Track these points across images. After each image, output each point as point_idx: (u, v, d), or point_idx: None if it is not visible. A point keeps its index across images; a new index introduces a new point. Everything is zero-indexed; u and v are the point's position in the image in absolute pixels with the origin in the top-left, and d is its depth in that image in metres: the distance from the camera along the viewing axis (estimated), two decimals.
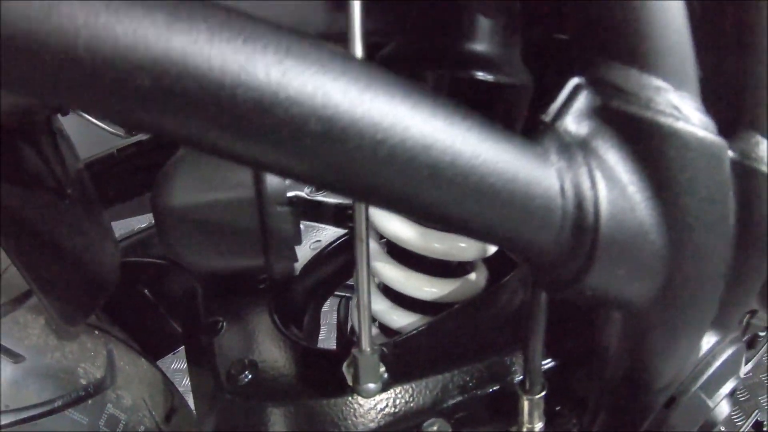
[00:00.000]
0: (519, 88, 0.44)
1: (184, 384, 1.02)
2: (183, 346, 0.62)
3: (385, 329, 0.55)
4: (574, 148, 0.24)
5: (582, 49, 0.27)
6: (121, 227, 0.67)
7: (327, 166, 0.20)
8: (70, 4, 0.17)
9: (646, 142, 0.25)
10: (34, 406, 0.47)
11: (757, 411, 1.07)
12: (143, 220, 0.68)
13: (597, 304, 0.31)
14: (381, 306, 0.53)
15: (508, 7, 0.31)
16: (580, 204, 0.24)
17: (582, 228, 0.24)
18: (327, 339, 1.11)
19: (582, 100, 0.25)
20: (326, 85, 0.20)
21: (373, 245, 0.54)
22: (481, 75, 0.42)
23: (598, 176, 0.24)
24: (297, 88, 0.19)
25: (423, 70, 0.42)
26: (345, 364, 0.43)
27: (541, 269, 0.27)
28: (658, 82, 0.25)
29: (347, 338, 0.62)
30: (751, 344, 0.78)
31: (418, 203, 0.22)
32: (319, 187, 0.29)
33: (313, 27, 0.32)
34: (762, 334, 0.70)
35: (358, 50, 0.28)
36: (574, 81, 0.26)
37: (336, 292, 0.69)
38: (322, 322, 0.70)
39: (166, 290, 0.63)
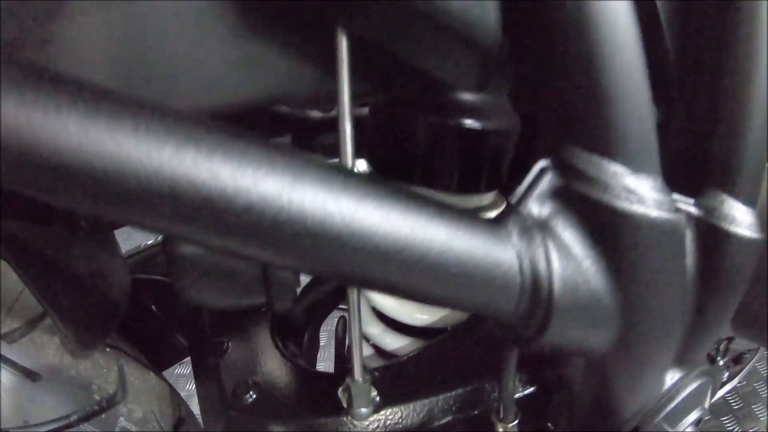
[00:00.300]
0: (506, 133, 0.47)
1: (187, 389, 1.07)
2: (187, 357, 0.67)
3: (379, 350, 0.59)
4: (533, 230, 0.28)
5: (549, 133, 0.30)
6: (127, 242, 0.72)
7: (316, 262, 0.24)
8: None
9: (601, 222, 0.29)
10: (52, 421, 0.52)
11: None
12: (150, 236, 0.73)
13: (560, 353, 0.35)
14: (375, 330, 0.57)
15: (494, 54, 0.34)
16: (535, 280, 0.28)
17: (537, 299, 0.28)
18: (327, 344, 1.16)
19: (545, 183, 0.29)
20: (306, 196, 0.23)
21: None
22: (468, 123, 0.45)
23: (554, 254, 0.28)
24: (271, 198, 0.23)
25: (413, 117, 0.46)
26: (340, 390, 0.48)
27: (505, 329, 0.31)
28: (616, 168, 0.28)
29: (344, 357, 0.67)
30: (737, 361, 0.82)
31: (396, 287, 0.26)
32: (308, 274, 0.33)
33: (303, 91, 0.36)
34: (750, 349, 0.75)
35: (347, 113, 0.31)
36: (540, 164, 0.30)
37: (339, 306, 0.74)
38: (323, 329, 0.75)
39: (172, 306, 0.68)
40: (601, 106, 0.28)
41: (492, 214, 0.52)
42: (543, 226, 0.29)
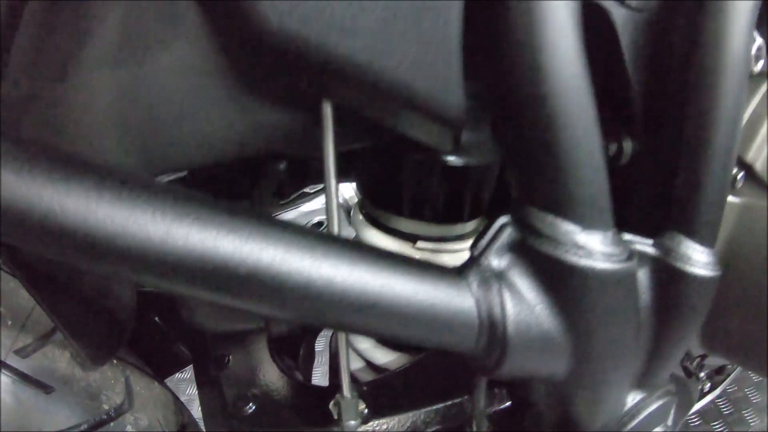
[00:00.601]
0: (487, 167, 0.52)
1: (188, 393, 1.13)
2: (189, 365, 0.73)
3: (370, 364, 0.65)
4: (491, 280, 0.33)
5: (512, 191, 0.35)
6: None
7: (306, 315, 0.29)
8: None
9: (553, 274, 0.33)
10: (65, 430, 0.57)
11: None
12: None
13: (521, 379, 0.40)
14: (365, 345, 0.62)
15: (460, 124, 0.39)
16: (492, 323, 0.33)
17: (494, 339, 0.33)
18: (323, 350, 1.21)
19: (504, 237, 0.34)
20: (295, 263, 0.28)
21: None
22: (451, 160, 0.50)
23: (508, 301, 0.33)
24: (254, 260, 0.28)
25: (398, 154, 0.50)
26: (331, 404, 0.53)
27: (470, 359, 0.36)
28: (568, 226, 0.33)
29: (337, 370, 0.72)
30: (719, 371, 0.87)
31: (374, 332, 0.31)
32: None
33: (295, 146, 0.40)
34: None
35: (333, 179, 0.36)
36: (501, 220, 0.34)
37: None
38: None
39: (175, 319, 0.73)
40: (555, 173, 0.33)
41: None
42: (500, 276, 0.34)
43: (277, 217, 0.65)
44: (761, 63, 0.50)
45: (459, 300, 0.33)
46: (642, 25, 0.43)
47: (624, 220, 0.46)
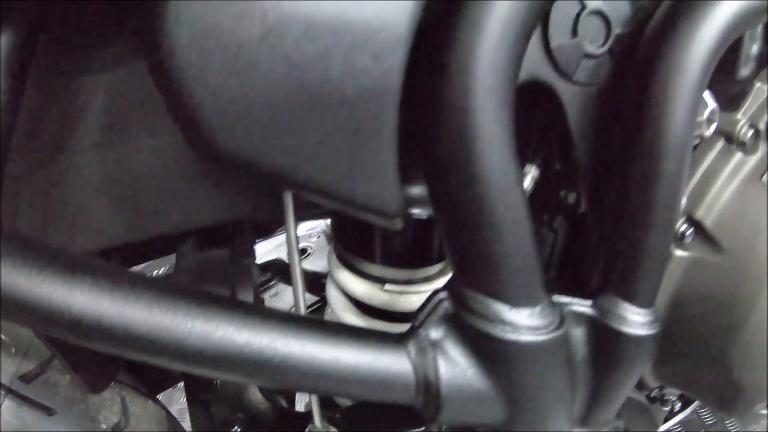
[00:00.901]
0: None
1: (181, 401, 1.21)
2: (180, 381, 0.80)
3: None
4: (428, 348, 0.39)
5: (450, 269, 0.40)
6: None
7: (270, 380, 0.35)
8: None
9: (483, 345, 0.39)
10: None
11: None
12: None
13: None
14: None
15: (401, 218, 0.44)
16: (427, 384, 0.39)
17: (429, 397, 0.40)
18: None
19: (440, 311, 0.40)
20: (257, 339, 0.34)
21: (342, 299, 0.69)
22: (416, 212, 0.55)
23: (442, 366, 0.39)
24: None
25: None
26: (307, 430, 0.59)
27: (413, 408, 0.42)
28: (496, 305, 0.38)
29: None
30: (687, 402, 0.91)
31: (328, 393, 0.37)
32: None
33: (265, 215, 0.46)
34: None
35: (297, 266, 0.41)
36: (439, 296, 0.40)
37: None
38: None
39: None
40: (484, 260, 0.38)
41: (440, 281, 0.62)
42: (435, 345, 0.39)
43: (260, 244, 0.71)
44: (713, 126, 0.53)
45: (398, 365, 0.39)
46: (589, 98, 0.47)
47: (574, 280, 0.50)
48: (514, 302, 0.38)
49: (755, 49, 0.57)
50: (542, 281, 0.41)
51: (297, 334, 0.36)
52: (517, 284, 0.38)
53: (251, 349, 0.34)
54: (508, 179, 0.37)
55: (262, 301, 0.73)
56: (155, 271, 0.78)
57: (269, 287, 0.79)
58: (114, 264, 0.35)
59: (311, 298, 0.81)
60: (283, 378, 0.36)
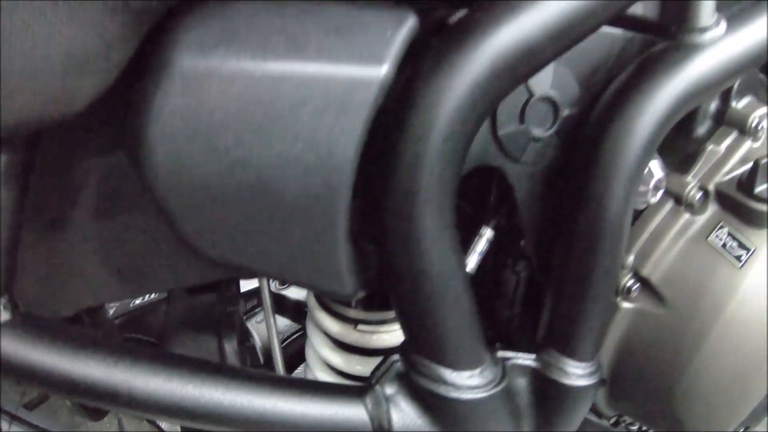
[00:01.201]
0: None
1: None
2: None
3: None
4: (382, 401, 0.46)
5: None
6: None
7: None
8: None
9: (429, 400, 0.46)
10: None
11: None
12: None
13: None
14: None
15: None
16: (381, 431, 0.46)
17: None
18: None
19: (393, 371, 0.47)
20: (228, 398, 0.41)
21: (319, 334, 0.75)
22: None
23: (394, 416, 0.46)
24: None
25: None
26: None
27: None
28: (440, 369, 0.45)
29: None
30: None
31: None
32: None
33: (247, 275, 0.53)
34: None
35: (275, 341, 0.48)
36: (393, 357, 0.47)
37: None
38: None
39: None
40: (428, 333, 0.45)
41: None
42: (389, 399, 0.47)
43: None
44: (660, 193, 0.58)
45: (357, 417, 0.46)
46: (536, 176, 0.52)
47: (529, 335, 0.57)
48: (456, 366, 0.45)
49: (713, 107, 0.60)
50: (484, 345, 0.47)
51: (271, 391, 0.43)
52: (458, 351, 0.45)
53: (227, 406, 0.42)
54: (448, 260, 0.43)
55: (248, 329, 0.80)
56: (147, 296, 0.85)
57: (254, 314, 0.85)
58: (117, 339, 0.43)
59: (294, 326, 0.88)
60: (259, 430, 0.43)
